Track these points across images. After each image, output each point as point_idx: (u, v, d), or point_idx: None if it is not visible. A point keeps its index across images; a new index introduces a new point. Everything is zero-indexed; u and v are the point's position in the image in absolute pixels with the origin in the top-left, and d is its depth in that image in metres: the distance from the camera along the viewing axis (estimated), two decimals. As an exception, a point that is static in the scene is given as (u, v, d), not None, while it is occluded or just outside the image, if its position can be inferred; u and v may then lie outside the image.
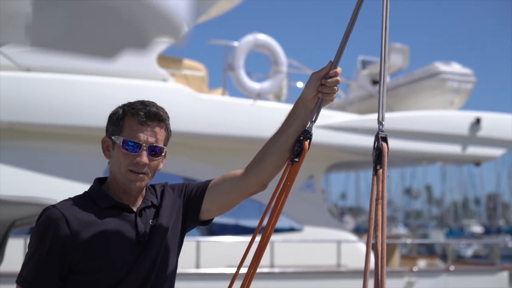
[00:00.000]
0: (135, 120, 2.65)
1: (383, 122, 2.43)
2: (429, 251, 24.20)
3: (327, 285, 11.58)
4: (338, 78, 2.65)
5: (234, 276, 2.79)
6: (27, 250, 2.62)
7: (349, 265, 12.27)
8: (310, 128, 2.72)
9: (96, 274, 2.56)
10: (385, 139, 2.38)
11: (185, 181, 2.92)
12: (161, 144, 2.69)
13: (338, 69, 2.66)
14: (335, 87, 2.67)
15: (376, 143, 2.38)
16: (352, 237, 13.70)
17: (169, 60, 12.75)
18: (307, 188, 13.07)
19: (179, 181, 2.93)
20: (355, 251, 12.62)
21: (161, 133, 2.69)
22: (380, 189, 2.27)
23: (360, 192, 65.03)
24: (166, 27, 2.85)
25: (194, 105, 11.61)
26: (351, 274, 11.87)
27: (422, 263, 14.80)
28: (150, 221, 2.71)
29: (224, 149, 12.49)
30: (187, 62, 13.27)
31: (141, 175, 2.64)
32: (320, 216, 13.26)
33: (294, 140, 2.71)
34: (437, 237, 36.47)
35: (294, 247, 12.19)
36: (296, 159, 2.71)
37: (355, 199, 65.09)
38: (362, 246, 13.12)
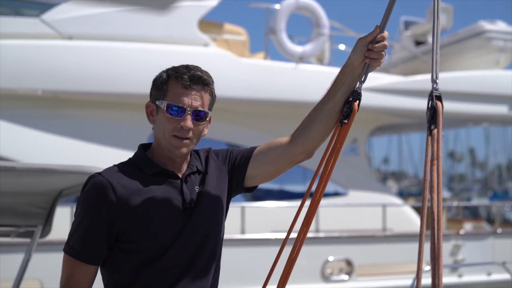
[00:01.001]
0: (179, 84, 2.59)
1: (437, 81, 2.35)
2: (473, 214, 23.94)
3: (373, 249, 11.54)
4: (386, 42, 2.57)
5: (284, 242, 2.75)
6: (73, 218, 2.60)
7: (394, 229, 12.20)
8: (359, 88, 2.65)
9: (144, 242, 2.53)
10: (439, 98, 2.30)
11: (228, 147, 2.88)
12: (205, 109, 2.63)
13: (385, 33, 2.57)
14: (383, 52, 2.59)
15: (430, 102, 2.31)
16: (397, 200, 13.61)
17: (210, 25, 12.69)
18: (351, 152, 13.00)
19: (221, 147, 2.89)
20: (400, 215, 12.54)
21: (205, 97, 2.63)
22: (435, 150, 2.21)
23: (403, 156, 64.33)
24: None
25: (235, 70, 11.55)
26: (397, 238, 11.81)
27: (468, 226, 14.66)
28: (196, 187, 2.67)
29: (266, 113, 12.44)
30: (228, 26, 13.19)
31: (185, 141, 2.59)
32: (364, 180, 13.19)
33: (340, 107, 2.65)
34: (481, 200, 36.11)
35: (339, 212, 12.15)
36: (345, 121, 2.65)
37: (398, 163, 64.43)
38: (407, 210, 13.03)
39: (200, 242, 2.62)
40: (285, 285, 2.71)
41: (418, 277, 2.14)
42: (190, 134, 2.59)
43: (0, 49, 10.35)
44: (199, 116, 2.61)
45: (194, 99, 2.59)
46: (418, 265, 2.12)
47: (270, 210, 11.60)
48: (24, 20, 10.92)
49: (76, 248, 2.52)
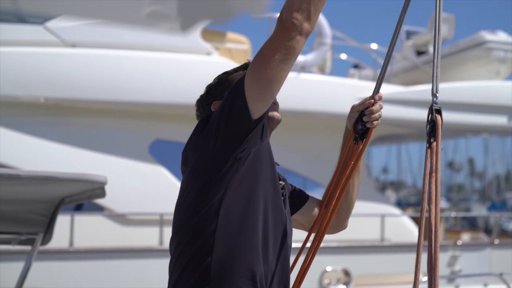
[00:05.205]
0: None
1: (437, 94, 2.40)
2: (471, 224, 23.94)
3: (371, 259, 11.53)
4: (381, 103, 2.69)
5: (298, 254, 2.94)
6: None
7: (393, 239, 12.19)
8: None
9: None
10: (439, 112, 2.36)
11: None
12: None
13: (380, 94, 2.67)
14: (380, 113, 2.68)
15: (430, 115, 2.36)
16: (396, 210, 13.60)
17: (212, 33, 12.67)
18: (351, 161, 12.98)
19: None
20: (398, 225, 12.52)
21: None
22: (434, 162, 2.26)
23: (402, 166, 64.32)
24: None
25: (237, 79, 11.54)
26: (395, 248, 11.80)
27: (466, 237, 14.65)
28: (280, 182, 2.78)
29: (267, 122, 12.42)
30: (230, 35, 13.17)
31: None
32: (364, 190, 13.14)
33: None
34: (479, 210, 36.12)
35: (338, 221, 12.13)
36: (360, 139, 2.73)
37: (397, 173, 64.49)
38: (406, 220, 13.01)
39: (285, 231, 2.65)
40: None
41: None
42: None
43: (3, 56, 10.36)
44: None
45: None
46: (415, 275, 2.16)
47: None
48: (28, 27, 10.93)
49: None
